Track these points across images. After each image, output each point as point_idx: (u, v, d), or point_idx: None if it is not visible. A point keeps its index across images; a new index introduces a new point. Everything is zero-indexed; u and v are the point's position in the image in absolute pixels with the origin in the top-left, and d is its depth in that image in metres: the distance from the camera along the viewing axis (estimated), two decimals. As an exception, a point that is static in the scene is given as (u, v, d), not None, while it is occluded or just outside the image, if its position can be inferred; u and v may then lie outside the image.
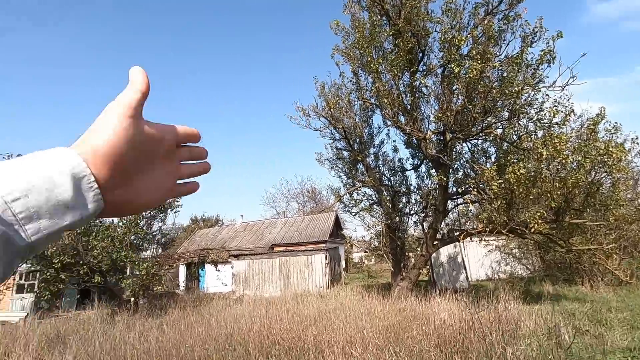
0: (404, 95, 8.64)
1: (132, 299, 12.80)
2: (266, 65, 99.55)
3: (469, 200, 7.88)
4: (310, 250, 19.36)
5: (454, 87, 7.99)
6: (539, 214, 6.52)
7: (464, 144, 8.84)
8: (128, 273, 13.17)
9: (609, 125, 7.78)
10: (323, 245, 21.35)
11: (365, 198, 11.64)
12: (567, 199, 7.86)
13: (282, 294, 16.29)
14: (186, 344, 6.23)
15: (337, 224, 28.64)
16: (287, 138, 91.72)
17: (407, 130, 7.94)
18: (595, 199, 7.94)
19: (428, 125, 8.74)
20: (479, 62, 6.78)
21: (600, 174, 8.04)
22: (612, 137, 7.75)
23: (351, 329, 6.41)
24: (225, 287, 20.83)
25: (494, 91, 6.79)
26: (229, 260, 21.02)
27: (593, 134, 7.93)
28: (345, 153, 11.65)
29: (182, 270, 23.43)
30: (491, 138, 8.77)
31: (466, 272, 16.50)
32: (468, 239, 11.10)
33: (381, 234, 11.16)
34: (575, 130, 9.88)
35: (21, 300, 15.94)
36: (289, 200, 42.98)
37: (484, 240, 9.21)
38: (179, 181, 0.56)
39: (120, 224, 12.88)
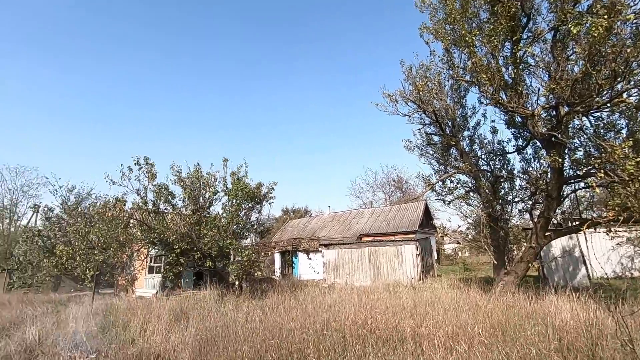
0: (504, 69, 7.69)
1: (237, 283, 14.21)
2: (351, 50, 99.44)
3: (593, 184, 6.63)
4: (399, 241, 18.89)
5: (570, 53, 6.79)
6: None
7: (584, 119, 7.48)
8: (232, 259, 14.61)
9: None
10: (413, 235, 20.63)
11: (460, 185, 10.79)
12: None
13: (372, 284, 16.27)
14: (287, 326, 6.62)
15: (427, 214, 27.39)
16: (372, 126, 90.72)
17: (511, 108, 7.01)
18: None
19: (537, 100, 7.61)
20: (607, 16, 5.61)
21: None
22: None
23: (452, 323, 6.02)
24: (317, 274, 21.72)
25: (628, 50, 5.56)
26: (319, 249, 21.80)
27: None
28: (436, 138, 10.93)
29: (277, 257, 25.15)
30: (622, 108, 7.27)
31: (587, 268, 14.18)
32: (588, 230, 9.48)
33: (480, 223, 10.23)
34: None
35: (152, 279, 19.04)
36: (375, 190, 42.55)
37: (612, 231, 7.78)
38: None
39: (224, 214, 14.33)
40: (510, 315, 6.58)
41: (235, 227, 14.35)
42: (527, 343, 5.04)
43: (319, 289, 14.41)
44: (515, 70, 7.41)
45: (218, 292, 12.81)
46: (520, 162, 10.64)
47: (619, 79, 6.01)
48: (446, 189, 10.50)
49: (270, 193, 15.30)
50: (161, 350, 6.10)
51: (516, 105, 6.90)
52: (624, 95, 6.53)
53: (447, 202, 10.74)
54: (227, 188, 14.33)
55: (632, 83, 6.28)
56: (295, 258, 24.12)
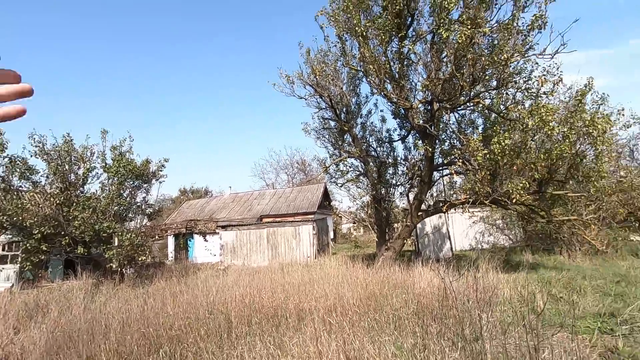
0: (391, 63, 8.33)
1: (119, 270, 12.79)
2: (252, 31, 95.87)
3: (453, 172, 7.83)
4: (298, 222, 19.46)
5: (443, 55, 7.71)
6: (521, 185, 6.52)
7: (452, 114, 8.68)
8: (116, 243, 13.08)
9: (596, 96, 7.69)
10: (311, 216, 21.48)
11: (351, 169, 11.55)
12: (551, 170, 7.88)
13: (270, 264, 16.50)
14: (168, 313, 6.24)
15: (326, 196, 28.74)
16: (274, 108, 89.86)
17: (394, 99, 7.71)
18: (578, 171, 7.99)
19: (415, 95, 8.51)
20: (469, 27, 6.49)
21: (584, 145, 8.04)
22: (599, 108, 7.68)
23: (333, 297, 6.49)
24: (213, 257, 21.01)
25: (483, 59, 6.57)
26: (217, 231, 21.05)
27: (580, 104, 7.84)
28: (332, 123, 11.40)
29: (171, 241, 23.48)
30: (479, 108, 8.62)
31: (450, 243, 16.87)
32: (453, 210, 11.22)
33: (367, 205, 11.17)
34: (564, 102, 9.77)
35: (1, 270, 15.80)
36: (278, 171, 42.83)
37: (468, 211, 9.28)
38: None
39: (103, 194, 12.61)
40: (384, 286, 7.41)
41: (116, 208, 12.79)
42: (392, 309, 5.75)
43: (214, 272, 13.99)
44: (400, 65, 8.09)
45: (93, 282, 11.35)
46: (403, 150, 11.83)
47: (476, 83, 7.08)
48: (339, 172, 11.14)
49: (161, 171, 14.01)
50: (3, 354, 5.13)
51: (399, 97, 7.60)
52: (481, 97, 7.74)
53: (340, 185, 11.43)
54: (106, 164, 12.59)
55: (486, 87, 7.47)
56: (191, 241, 22.87)
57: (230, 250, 20.28)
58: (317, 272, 10.15)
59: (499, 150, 6.51)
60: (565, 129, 7.39)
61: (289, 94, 9.78)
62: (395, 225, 12.18)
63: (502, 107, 7.44)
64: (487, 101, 8.40)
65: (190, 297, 7.65)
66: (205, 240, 21.58)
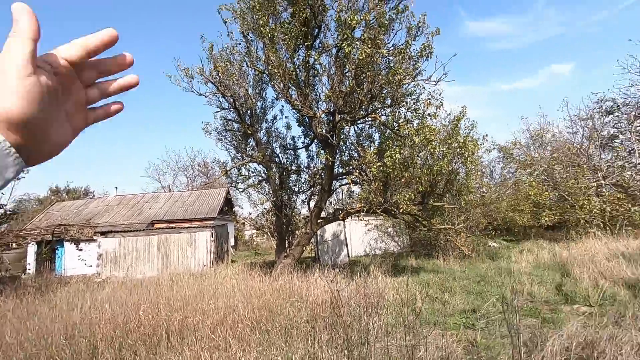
0: (297, 70, 8.37)
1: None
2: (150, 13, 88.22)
3: (351, 181, 8.23)
4: (195, 228, 18.10)
5: (346, 69, 8.07)
6: (407, 197, 7.17)
7: (352, 127, 9.15)
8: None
9: (468, 122, 8.97)
10: (211, 222, 20.24)
11: (254, 174, 11.22)
12: (432, 184, 8.83)
13: (159, 274, 14.88)
14: (6, 342, 4.96)
15: (229, 201, 27.57)
16: (173, 103, 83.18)
17: (298, 106, 7.74)
18: (453, 186, 9.13)
19: (319, 105, 8.71)
20: (369, 46, 6.91)
21: (458, 164, 9.22)
22: (470, 132, 8.93)
23: (223, 309, 6.05)
24: (89, 268, 18.08)
25: (380, 77, 7.06)
26: (95, 238, 18.19)
27: (456, 128, 9.04)
28: (236, 125, 10.93)
29: (31, 250, 19.47)
30: (376, 124, 9.24)
31: (347, 249, 17.75)
32: (350, 217, 11.78)
33: (268, 211, 10.97)
34: (444, 125, 11.18)
35: None
36: (177, 173, 39.51)
37: (363, 219, 9.80)
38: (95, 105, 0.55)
39: None
40: (280, 294, 7.27)
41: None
42: (286, 318, 5.62)
43: (86, 287, 11.94)
44: (305, 74, 8.17)
45: None
46: (307, 158, 12.00)
47: (374, 99, 7.57)
48: (241, 177, 10.71)
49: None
50: None
51: (302, 105, 7.66)
52: (377, 113, 8.30)
53: (241, 190, 10.99)
54: None
55: (382, 104, 8.04)
56: (60, 249, 19.30)
57: (111, 260, 17.72)
58: (211, 282, 9.49)
59: (391, 164, 7.05)
60: (445, 149, 8.40)
61: (187, 89, 9.03)
62: (297, 232, 12.22)
63: (395, 124, 8.11)
64: (383, 118, 9.07)
65: (47, 319, 6.27)
66: (79, 249, 18.43)
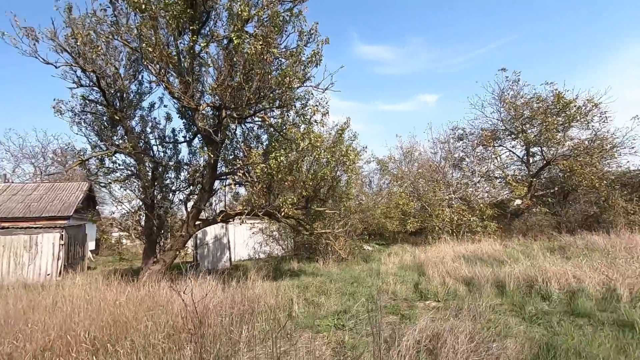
0: (181, 56, 7.56)
1: None
2: (9, -31, 70.81)
3: (232, 181, 7.80)
4: (37, 228, 14.68)
5: (235, 63, 7.65)
6: (290, 200, 7.12)
7: (239, 126, 8.72)
8: None
9: (351, 133, 9.52)
10: (63, 222, 16.81)
11: (122, 167, 9.66)
12: (316, 189, 9.03)
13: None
14: None
15: (92, 198, 23.56)
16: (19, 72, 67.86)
17: (177, 94, 6.95)
18: (334, 192, 9.53)
19: (205, 98, 8.03)
20: (261, 43, 6.67)
21: (340, 171, 9.67)
22: (352, 143, 9.48)
23: (57, 330, 4.86)
24: None
25: (270, 77, 6.88)
26: None
27: (340, 137, 9.49)
28: (100, 108, 9.23)
29: None
30: (265, 125, 9.02)
31: (230, 253, 16.98)
32: (232, 220, 11.21)
33: (135, 211, 9.59)
34: (330, 134, 11.67)
35: None
36: (20, 160, 31.88)
37: (245, 222, 9.41)
38: None
39: None
40: (141, 307, 6.31)
41: None
42: (140, 336, 4.84)
43: None
44: (190, 61, 7.42)
45: None
46: (188, 154, 10.98)
47: (262, 99, 7.34)
48: (103, 169, 9.08)
49: None
50: None
51: (182, 94, 6.91)
52: (266, 114, 8.08)
53: (103, 185, 9.31)
54: None
55: (271, 105, 7.87)
56: None
57: None
58: (50, 296, 7.70)
59: (275, 166, 6.92)
60: (329, 156, 8.70)
61: (30, 53, 7.11)
62: (168, 235, 11.01)
63: (282, 127, 8.04)
64: (273, 120, 8.92)
65: None
66: None
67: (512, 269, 8.86)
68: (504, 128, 23.62)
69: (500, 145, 24.02)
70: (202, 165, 9.62)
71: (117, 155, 9.66)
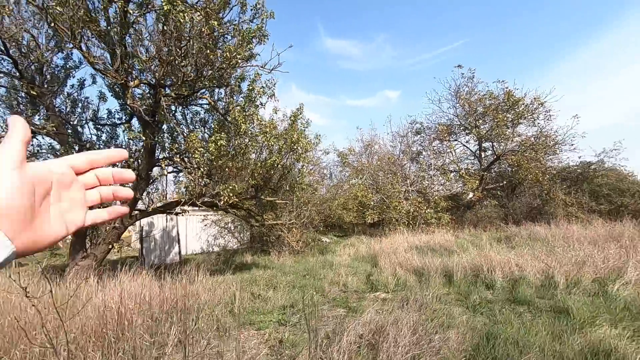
0: (111, 26, 6.67)
1: None
2: None
3: (164, 167, 7.09)
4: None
5: (169, 35, 6.90)
6: (230, 188, 6.58)
7: (179, 107, 7.97)
8: None
9: (304, 120, 9.08)
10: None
11: (45, 151, 8.53)
12: (265, 178, 8.53)
13: None
14: None
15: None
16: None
17: (98, 66, 6.09)
18: (287, 181, 9.07)
19: (138, 74, 7.19)
20: (200, 14, 6.02)
21: (291, 160, 9.23)
22: (305, 130, 9.05)
23: None
24: None
25: (209, 51, 6.24)
26: None
27: (293, 124, 9.03)
28: (17, 82, 8.02)
29: None
30: (207, 106, 8.34)
31: (179, 246, 16.00)
32: (173, 210, 10.42)
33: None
34: (282, 121, 11.14)
35: None
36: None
37: (189, 213, 8.70)
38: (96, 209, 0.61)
39: None
40: (49, 310, 5.52)
41: None
42: (40, 344, 4.14)
43: None
44: (120, 31, 6.57)
45: None
46: (128, 139, 9.98)
47: (201, 77, 6.67)
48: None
49: None
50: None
51: (107, 67, 6.08)
52: (207, 94, 7.42)
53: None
54: None
55: (211, 83, 7.21)
56: None
57: None
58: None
59: (215, 150, 6.32)
60: (281, 143, 8.22)
61: None
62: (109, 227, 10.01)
63: (225, 108, 7.42)
64: (221, 104, 8.26)
65: None
66: None
67: (461, 259, 8.96)
68: (459, 123, 24.36)
69: (455, 140, 24.79)
70: (138, 150, 8.73)
71: (42, 138, 8.53)
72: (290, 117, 9.03)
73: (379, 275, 9.23)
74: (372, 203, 21.54)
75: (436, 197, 20.99)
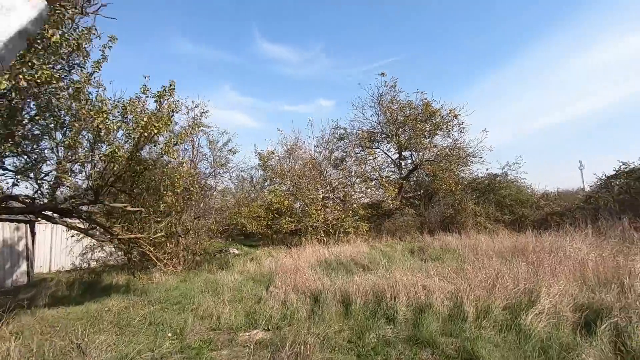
0: None
1: None
2: None
3: None
4: None
5: None
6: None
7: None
8: None
9: (172, 101, 6.93)
10: None
11: None
12: (104, 176, 6.18)
13: None
14: None
15: None
16: None
17: None
18: (142, 181, 6.80)
19: None
20: None
21: (155, 153, 6.99)
22: (172, 115, 6.90)
23: None
24: None
25: None
26: None
27: (160, 108, 6.82)
28: None
29: None
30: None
31: (28, 264, 12.34)
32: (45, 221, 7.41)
33: None
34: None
35: None
36: None
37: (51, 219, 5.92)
38: None
39: None
40: None
41: None
42: None
43: None
44: None
45: None
46: None
47: None
48: None
49: None
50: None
51: None
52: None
53: None
54: None
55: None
56: None
57: None
58: None
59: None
60: (127, 127, 5.97)
61: None
62: None
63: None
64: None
65: None
66: None
67: (364, 280, 7.54)
68: (381, 131, 24.00)
69: (377, 147, 24.35)
70: None
71: None
72: (155, 97, 6.81)
73: (267, 303, 7.39)
74: (290, 210, 19.82)
75: (355, 205, 20.05)
